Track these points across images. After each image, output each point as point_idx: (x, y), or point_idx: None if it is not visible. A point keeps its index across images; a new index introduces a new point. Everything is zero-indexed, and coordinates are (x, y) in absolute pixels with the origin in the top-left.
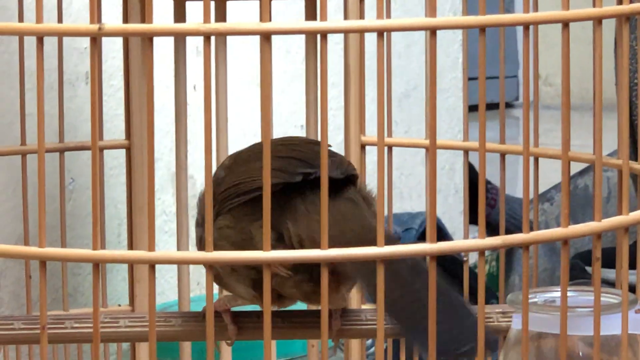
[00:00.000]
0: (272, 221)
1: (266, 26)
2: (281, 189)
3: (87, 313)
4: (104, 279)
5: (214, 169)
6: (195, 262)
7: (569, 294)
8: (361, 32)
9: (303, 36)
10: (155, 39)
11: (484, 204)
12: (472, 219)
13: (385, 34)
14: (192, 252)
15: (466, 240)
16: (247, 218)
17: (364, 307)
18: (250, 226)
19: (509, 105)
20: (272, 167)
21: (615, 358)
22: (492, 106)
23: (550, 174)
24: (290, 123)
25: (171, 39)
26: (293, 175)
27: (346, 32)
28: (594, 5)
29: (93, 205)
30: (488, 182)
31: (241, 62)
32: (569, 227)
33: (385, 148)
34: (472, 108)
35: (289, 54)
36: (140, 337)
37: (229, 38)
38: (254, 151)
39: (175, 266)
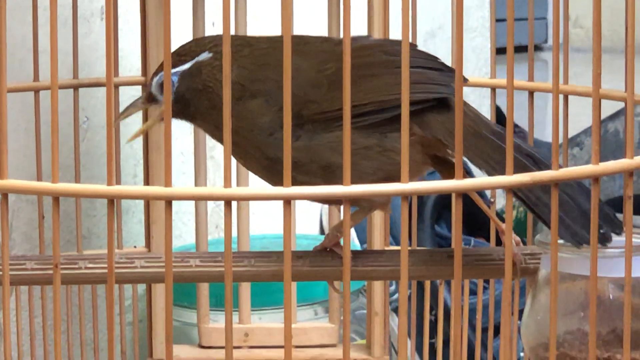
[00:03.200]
0: None
1: None
2: None
3: (102, 254)
4: (119, 220)
5: None
6: (213, 198)
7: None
8: None
9: None
10: None
11: (512, 140)
12: None
13: None
14: (210, 188)
15: (494, 177)
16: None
17: (387, 248)
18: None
19: (537, 48)
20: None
21: None
22: (519, 49)
23: (580, 118)
24: None
25: None
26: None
27: None
28: None
29: (108, 141)
30: (516, 126)
31: None
32: (599, 164)
33: None
34: (499, 51)
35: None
36: (156, 277)
37: None
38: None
39: (193, 208)
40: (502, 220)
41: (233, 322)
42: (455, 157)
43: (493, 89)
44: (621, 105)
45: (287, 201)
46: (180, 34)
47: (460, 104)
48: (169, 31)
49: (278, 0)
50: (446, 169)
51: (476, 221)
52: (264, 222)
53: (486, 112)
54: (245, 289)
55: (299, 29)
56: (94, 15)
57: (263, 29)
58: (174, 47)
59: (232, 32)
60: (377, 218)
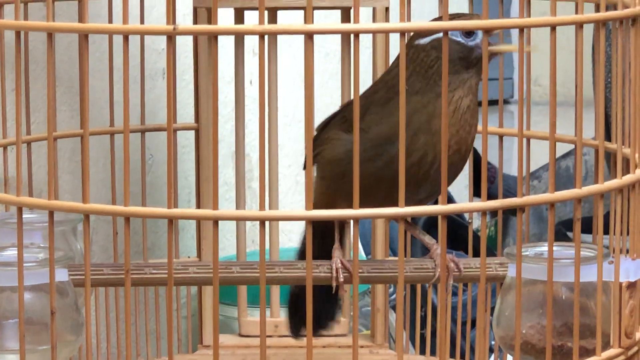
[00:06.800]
0: None
1: (309, 27)
2: None
3: (163, 262)
4: (176, 235)
5: (266, 148)
6: (251, 218)
7: (554, 248)
8: (387, 32)
9: (339, 40)
10: (219, 42)
11: (486, 173)
12: (476, 192)
13: (406, 34)
14: (248, 211)
15: (471, 203)
16: None
17: (387, 258)
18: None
19: (506, 102)
20: None
21: (591, 300)
22: (491, 102)
23: (539, 157)
24: (328, 114)
25: (232, 42)
26: None
27: (374, 32)
28: (576, 13)
29: (168, 175)
30: (488, 163)
31: (289, 62)
32: (555, 192)
33: None
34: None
35: (328, 56)
36: (206, 281)
37: (279, 43)
38: None
39: (234, 226)
40: (477, 237)
41: (266, 316)
42: (443, 188)
43: None
44: (572, 146)
45: (309, 221)
46: (225, 90)
47: (445, 142)
48: (216, 87)
49: (302, 65)
50: None
51: (457, 237)
52: (290, 238)
53: None
54: (276, 290)
55: (318, 87)
56: (157, 74)
57: (291, 87)
58: (219, 100)
59: (266, 89)
60: (380, 234)
